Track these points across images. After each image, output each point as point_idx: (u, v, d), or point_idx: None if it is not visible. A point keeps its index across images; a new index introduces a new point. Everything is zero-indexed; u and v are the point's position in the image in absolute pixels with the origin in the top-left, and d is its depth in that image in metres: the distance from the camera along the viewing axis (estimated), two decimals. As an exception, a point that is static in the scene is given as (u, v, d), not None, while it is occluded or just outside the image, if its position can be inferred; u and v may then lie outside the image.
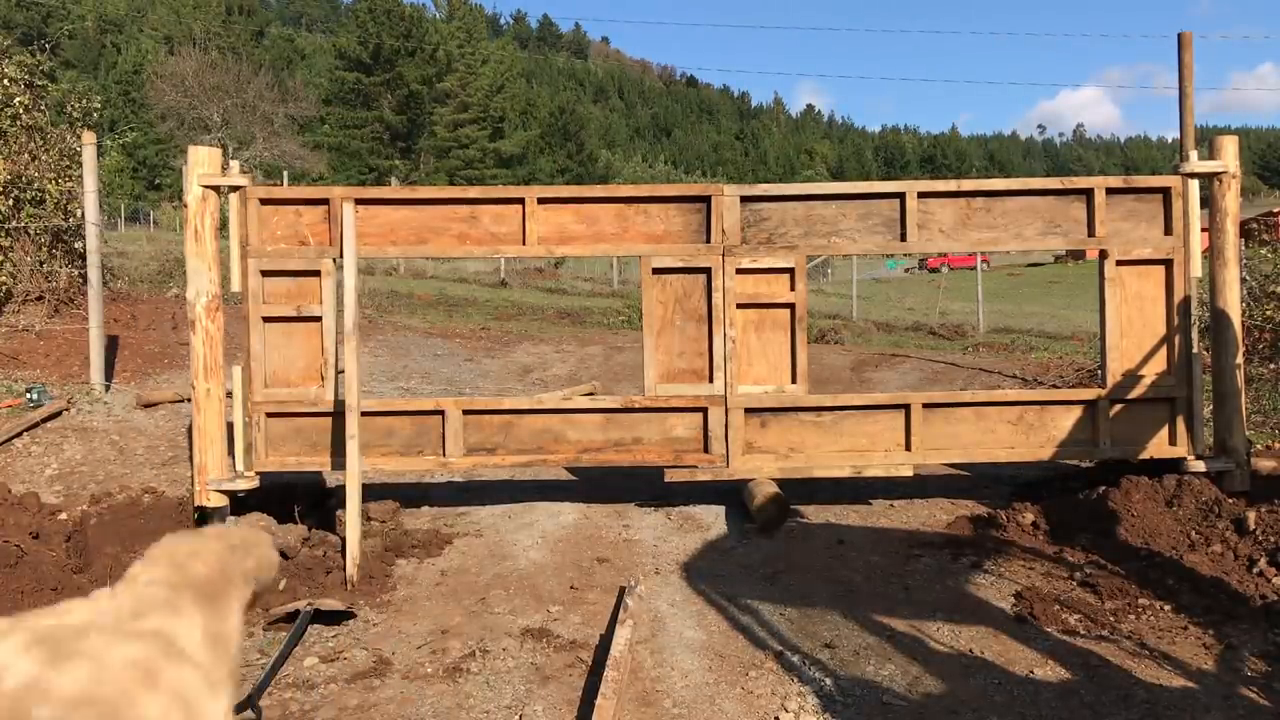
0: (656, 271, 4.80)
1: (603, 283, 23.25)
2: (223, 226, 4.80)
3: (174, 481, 5.15)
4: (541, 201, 4.79)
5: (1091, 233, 4.84)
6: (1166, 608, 3.71)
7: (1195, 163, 4.84)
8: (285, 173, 28.10)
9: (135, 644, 0.42)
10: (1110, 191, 4.84)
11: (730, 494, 5.17)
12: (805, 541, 4.62)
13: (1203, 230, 4.82)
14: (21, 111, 8.19)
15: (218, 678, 0.45)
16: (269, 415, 4.69)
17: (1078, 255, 37.37)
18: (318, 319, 4.70)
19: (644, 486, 5.36)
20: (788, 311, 4.82)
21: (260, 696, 3.08)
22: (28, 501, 4.34)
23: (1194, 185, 4.80)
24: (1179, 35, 5.96)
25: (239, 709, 2.99)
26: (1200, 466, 4.69)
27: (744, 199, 4.83)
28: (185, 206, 4.60)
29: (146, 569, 0.50)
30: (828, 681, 3.19)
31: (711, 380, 4.78)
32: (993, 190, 4.91)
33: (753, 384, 4.81)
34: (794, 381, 4.81)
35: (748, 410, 4.79)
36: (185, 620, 0.46)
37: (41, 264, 8.01)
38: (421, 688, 3.21)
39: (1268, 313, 7.33)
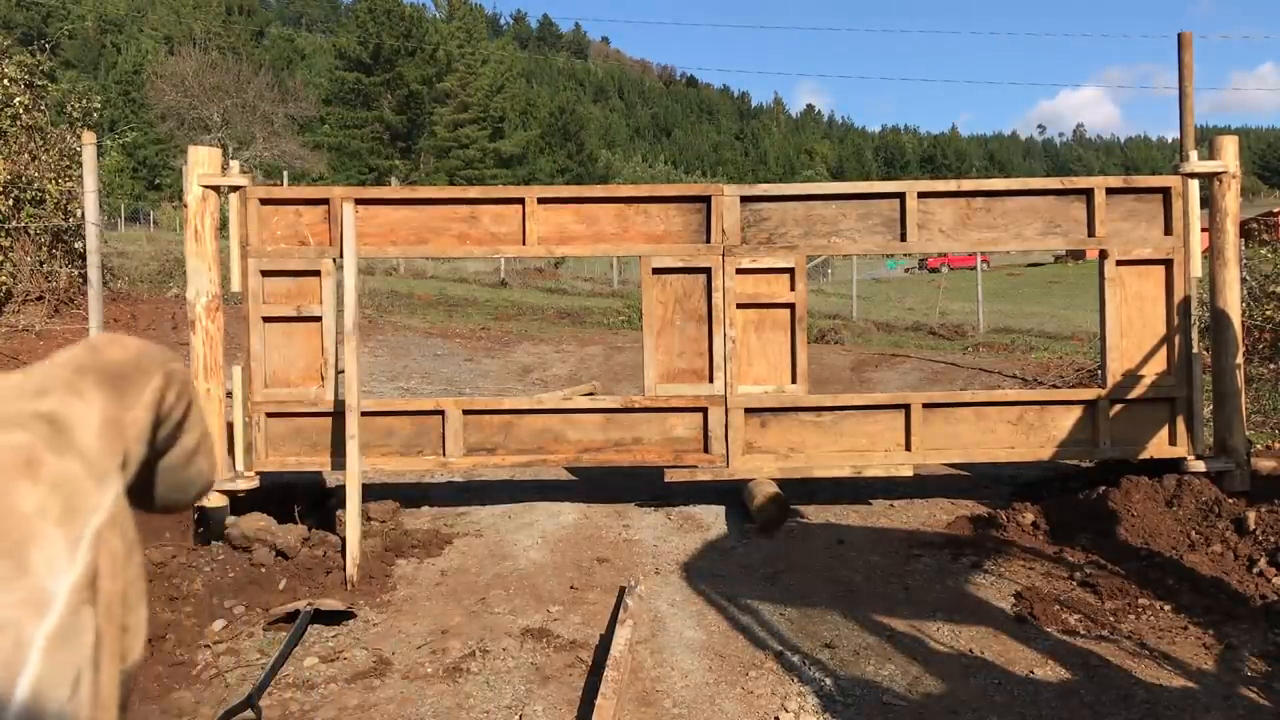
0: (656, 271, 4.80)
1: (603, 283, 23.25)
2: (223, 226, 4.80)
3: (174, 481, 5.15)
4: (541, 201, 4.79)
5: (1091, 233, 4.84)
6: (1166, 608, 3.71)
7: (1195, 163, 4.84)
8: (285, 173, 28.10)
9: (18, 432, 0.41)
10: (1110, 191, 4.84)
11: (730, 494, 5.17)
12: (805, 541, 4.62)
13: (1203, 230, 4.82)
14: (21, 111, 8.19)
15: (105, 468, 0.43)
16: (269, 415, 4.69)
17: (1078, 255, 37.37)
18: (318, 319, 4.70)
19: (644, 486, 5.36)
20: (788, 311, 4.82)
21: (260, 696, 3.08)
22: (28, 501, 4.34)
23: (1194, 185, 4.80)
24: (1179, 35, 5.96)
25: (239, 709, 2.99)
26: (1200, 466, 4.68)
27: (744, 199, 4.83)
28: (185, 206, 4.60)
29: (64, 351, 0.49)
30: (828, 681, 3.19)
31: (711, 380, 4.78)
32: (993, 190, 4.91)
33: (753, 384, 4.81)
34: (794, 381, 4.81)
35: (748, 410, 4.79)
36: (83, 404, 0.44)
37: (41, 264, 8.02)
38: (421, 688, 3.21)
39: (1268, 313, 7.33)
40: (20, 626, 0.38)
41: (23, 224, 7.84)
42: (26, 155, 8.12)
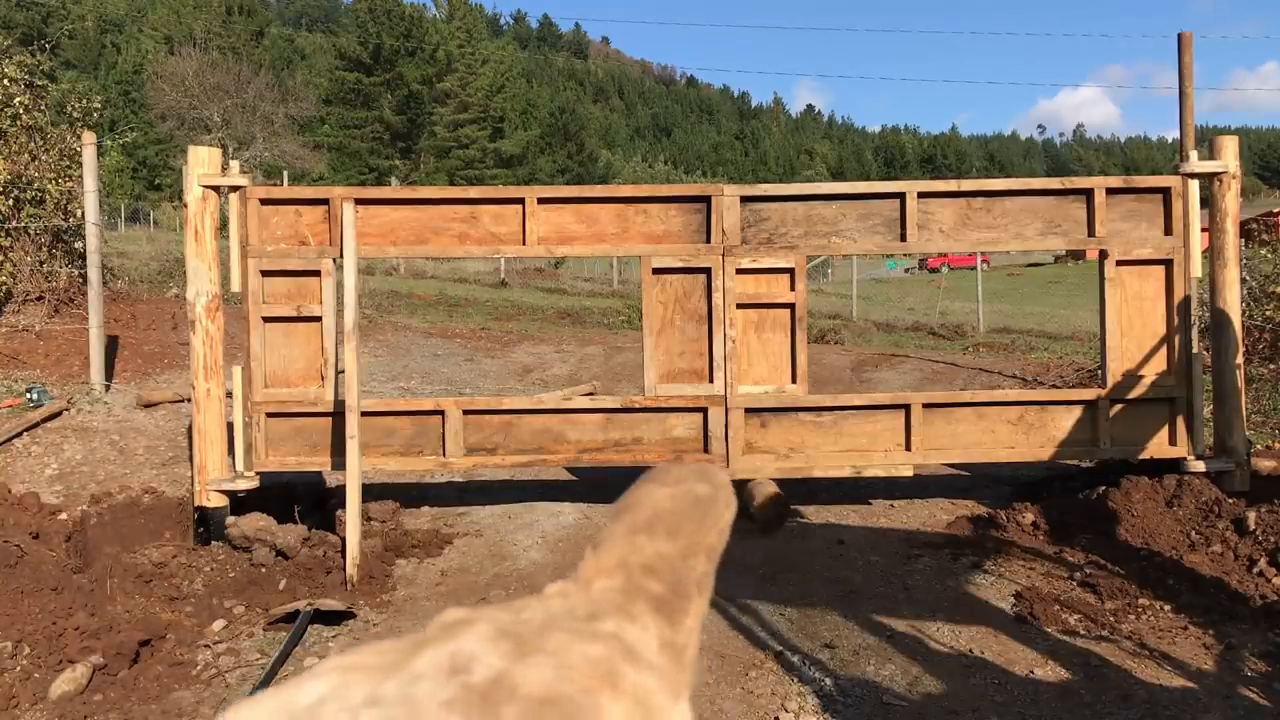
0: (656, 271, 4.80)
1: (603, 283, 23.25)
2: (223, 226, 4.80)
3: (174, 481, 5.15)
4: (541, 201, 4.80)
5: (1091, 233, 4.84)
6: (1166, 608, 3.71)
7: (1195, 163, 4.84)
8: (285, 173, 28.10)
9: (596, 644, 0.39)
10: (1110, 192, 4.84)
11: (730, 494, 5.16)
12: (805, 541, 4.62)
13: (1203, 230, 4.82)
14: (21, 111, 8.19)
15: (679, 684, 0.42)
16: (269, 415, 4.69)
17: (1078, 255, 37.37)
18: (318, 319, 4.70)
19: (644, 486, 5.36)
20: (788, 311, 4.82)
21: (260, 696, 3.07)
22: (28, 501, 4.34)
23: (1194, 185, 4.80)
24: (1179, 36, 5.96)
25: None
26: (1200, 466, 4.68)
27: (744, 199, 4.83)
28: (185, 206, 4.60)
29: (600, 576, 0.47)
30: (828, 681, 3.19)
31: (711, 380, 4.78)
32: (993, 190, 4.91)
33: (753, 384, 4.81)
34: (794, 381, 4.81)
35: (748, 410, 4.79)
36: (639, 628, 0.43)
37: (42, 264, 8.01)
38: (421, 688, 3.20)
39: (1268, 313, 7.33)
40: None
41: (23, 224, 7.84)
42: (27, 155, 8.11)
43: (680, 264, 4.80)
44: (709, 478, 0.56)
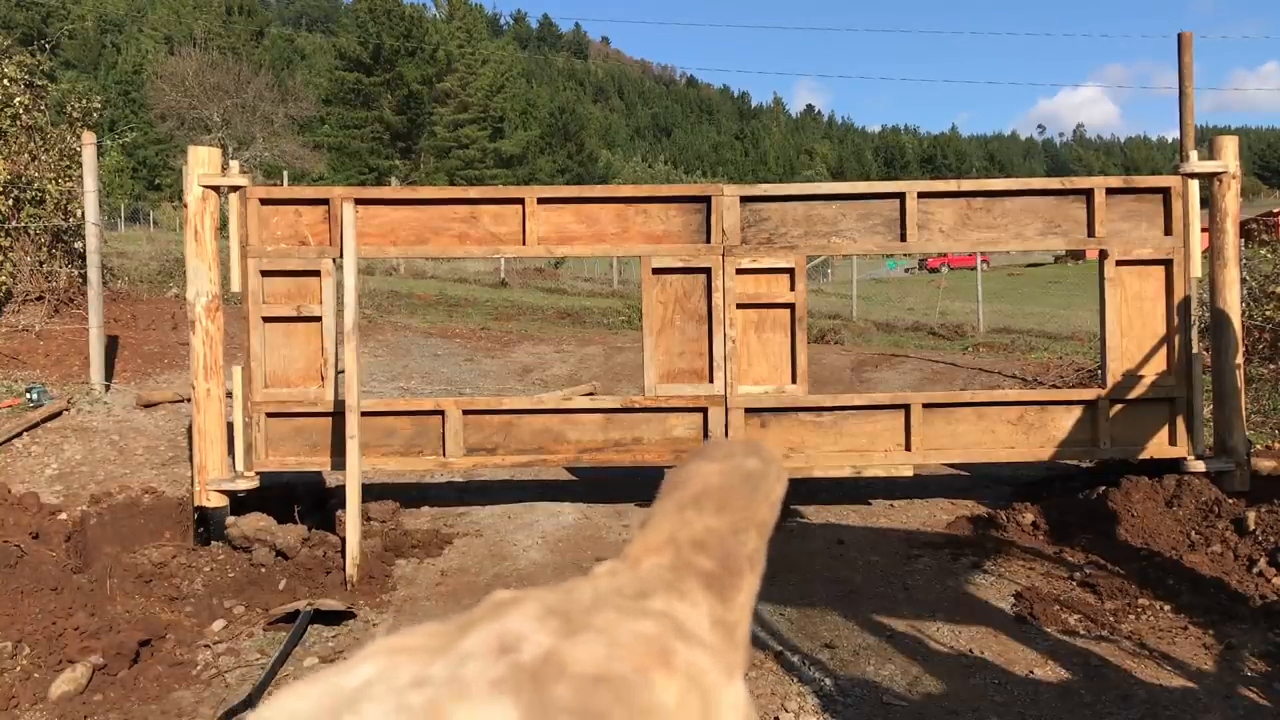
0: (656, 271, 4.81)
1: (603, 283, 23.25)
2: (223, 226, 4.80)
3: (174, 481, 5.15)
4: (541, 201, 4.80)
5: (1091, 233, 4.84)
6: (1166, 608, 3.71)
7: (1195, 163, 4.84)
8: (285, 173, 28.09)
9: (646, 621, 0.38)
10: (1110, 192, 4.84)
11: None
12: (805, 541, 4.62)
13: (1203, 230, 4.82)
14: (21, 111, 8.19)
15: (732, 662, 0.40)
16: (269, 415, 4.69)
17: (1078, 255, 37.37)
18: (318, 319, 4.70)
19: (644, 487, 5.36)
20: (788, 311, 4.82)
21: (260, 697, 3.08)
22: (27, 501, 4.34)
23: (1194, 185, 4.80)
24: (1179, 36, 5.96)
25: (239, 709, 2.99)
26: (1200, 466, 4.68)
27: (744, 199, 4.83)
28: (185, 206, 4.60)
29: (649, 554, 0.45)
30: (828, 681, 3.19)
31: (711, 380, 4.78)
32: (993, 190, 4.91)
33: (753, 384, 4.81)
34: (794, 381, 4.81)
35: (748, 410, 4.79)
36: (689, 605, 0.42)
37: (41, 264, 8.01)
38: (421, 688, 3.20)
39: (1267, 313, 7.33)
40: None
41: (23, 224, 7.84)
42: (26, 155, 8.11)
43: (680, 264, 4.80)
44: (759, 453, 0.54)
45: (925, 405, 4.83)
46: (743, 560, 0.47)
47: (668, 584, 0.42)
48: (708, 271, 4.79)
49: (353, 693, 0.31)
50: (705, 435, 4.79)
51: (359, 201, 4.70)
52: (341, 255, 4.58)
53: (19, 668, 3.17)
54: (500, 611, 0.36)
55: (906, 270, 50.50)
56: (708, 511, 0.48)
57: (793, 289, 4.82)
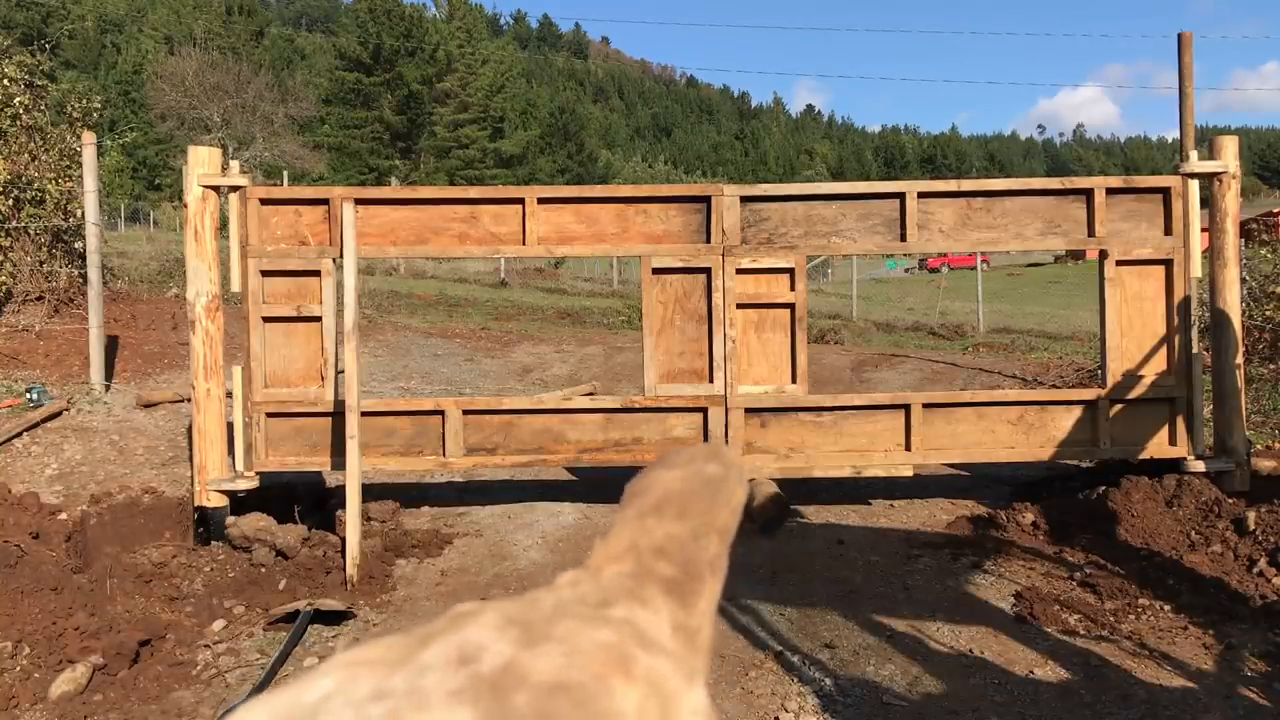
0: (656, 271, 4.81)
1: (603, 283, 23.25)
2: (223, 227, 4.80)
3: (174, 481, 5.15)
4: (541, 201, 4.80)
5: (1091, 233, 4.84)
6: (1166, 608, 3.71)
7: (1195, 163, 4.84)
8: (285, 173, 28.09)
9: (606, 629, 0.38)
10: (1110, 192, 4.84)
11: (730, 494, 5.16)
12: (805, 541, 4.62)
13: (1203, 230, 4.82)
14: (21, 111, 8.19)
15: (694, 667, 0.40)
16: (269, 415, 4.69)
17: (1078, 255, 37.36)
18: (318, 319, 4.70)
19: (644, 486, 5.36)
20: (788, 311, 4.82)
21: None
22: (27, 501, 4.34)
23: (1194, 185, 4.80)
24: (1179, 36, 5.96)
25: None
26: (1200, 466, 4.68)
27: (744, 199, 4.83)
28: (185, 206, 4.60)
29: (611, 562, 0.46)
30: (828, 681, 3.19)
31: (711, 380, 4.78)
32: (993, 190, 4.91)
33: (753, 384, 4.81)
34: (794, 381, 4.81)
35: (748, 410, 4.79)
36: (651, 612, 0.42)
37: (41, 264, 8.01)
38: (421, 688, 3.20)
39: (1267, 313, 7.33)
40: None
41: (23, 224, 7.84)
42: (26, 155, 8.11)
43: (680, 264, 4.79)
44: (719, 457, 0.54)
45: (925, 405, 4.83)
46: (704, 566, 0.48)
47: (629, 591, 0.43)
48: (708, 271, 4.79)
49: (311, 707, 0.31)
50: (705, 435, 4.79)
51: (359, 201, 4.70)
52: (341, 255, 4.58)
53: (19, 668, 3.17)
54: (460, 623, 0.36)
55: (906, 270, 50.48)
56: (668, 518, 0.49)
57: (793, 289, 4.82)
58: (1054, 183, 4.91)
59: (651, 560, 0.46)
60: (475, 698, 0.31)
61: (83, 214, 7.14)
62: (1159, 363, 4.82)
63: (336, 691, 0.32)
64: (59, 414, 6.04)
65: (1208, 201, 4.88)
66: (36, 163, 8.16)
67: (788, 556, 4.40)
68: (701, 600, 0.46)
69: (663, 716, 0.36)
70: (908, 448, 4.80)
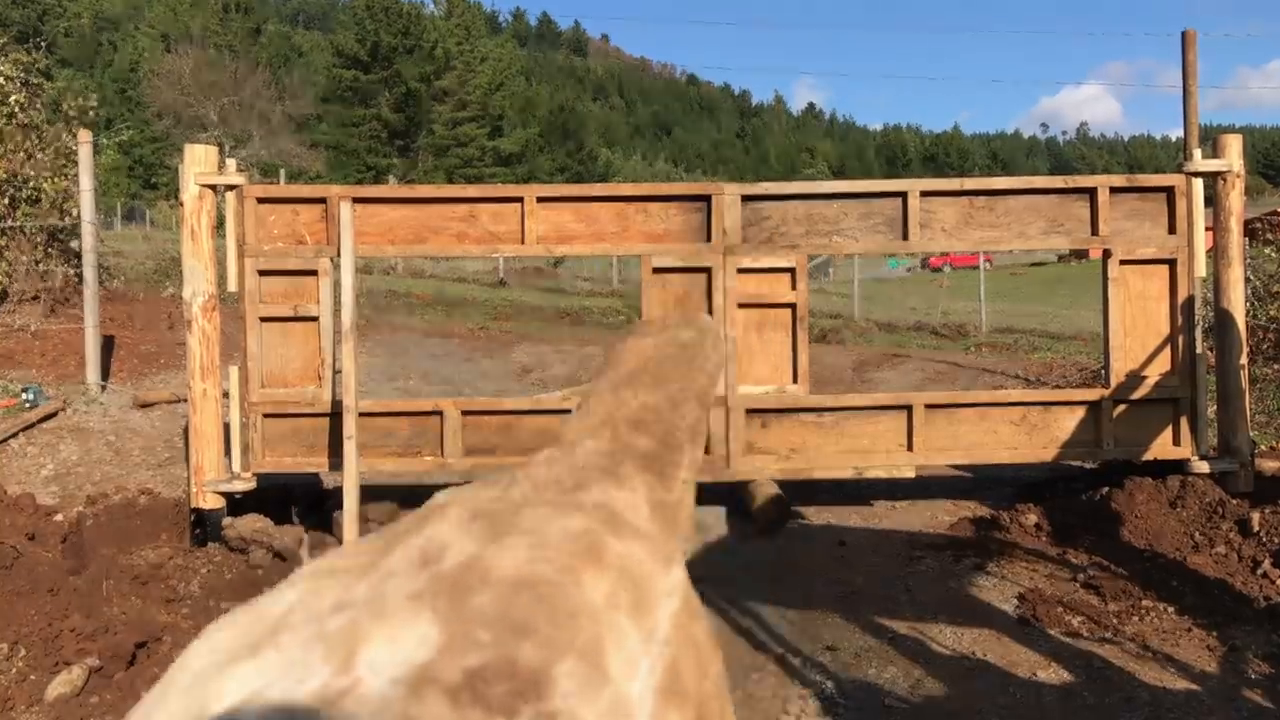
0: (657, 271, 4.78)
1: (602, 282, 23.22)
2: (220, 225, 4.77)
3: (170, 482, 5.13)
4: (541, 200, 4.76)
5: (1095, 232, 4.81)
6: (1170, 609, 3.69)
7: (1199, 161, 4.82)
8: (282, 171, 28.03)
9: (577, 516, 0.37)
10: (1114, 190, 4.81)
11: (731, 495, 5.14)
12: (806, 543, 4.59)
13: (1207, 229, 4.79)
14: (17, 109, 8.16)
15: (668, 550, 0.39)
16: (266, 416, 4.66)
17: (1081, 255, 37.32)
18: (315, 319, 4.67)
19: (644, 487, 5.33)
20: (789, 311, 4.79)
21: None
22: (23, 502, 4.31)
23: (1198, 184, 4.77)
24: (1183, 34, 5.94)
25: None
26: (1204, 467, 4.66)
27: (745, 198, 4.80)
28: (181, 205, 4.57)
29: (586, 437, 0.44)
30: (829, 684, 3.16)
31: (712, 380, 4.76)
32: (995, 189, 4.88)
33: (754, 384, 4.78)
34: (795, 381, 4.78)
35: (749, 410, 4.76)
36: (628, 492, 0.41)
37: (37, 263, 7.98)
38: (420, 691, 3.17)
39: (1272, 313, 7.31)
40: None
41: (18, 223, 7.81)
42: (22, 154, 8.08)
43: (680, 263, 4.76)
44: (694, 323, 0.53)
45: (927, 406, 4.80)
46: (682, 434, 0.46)
47: (604, 470, 0.41)
48: (708, 271, 4.76)
49: (275, 620, 0.30)
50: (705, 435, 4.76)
51: (357, 200, 4.67)
52: (339, 254, 4.55)
53: (15, 669, 3.15)
54: (426, 520, 0.35)
55: (908, 269, 50.44)
56: (644, 388, 0.47)
57: (794, 288, 4.79)
58: (1057, 181, 4.89)
59: (628, 434, 0.45)
60: (434, 600, 0.30)
61: (78, 213, 7.11)
62: (1163, 363, 4.79)
63: (299, 604, 0.31)
64: (55, 414, 6.00)
65: (1212, 200, 4.85)
66: (32, 161, 8.13)
67: (789, 558, 4.37)
68: (681, 470, 0.45)
69: (636, 602, 0.35)
70: (910, 448, 4.77)
